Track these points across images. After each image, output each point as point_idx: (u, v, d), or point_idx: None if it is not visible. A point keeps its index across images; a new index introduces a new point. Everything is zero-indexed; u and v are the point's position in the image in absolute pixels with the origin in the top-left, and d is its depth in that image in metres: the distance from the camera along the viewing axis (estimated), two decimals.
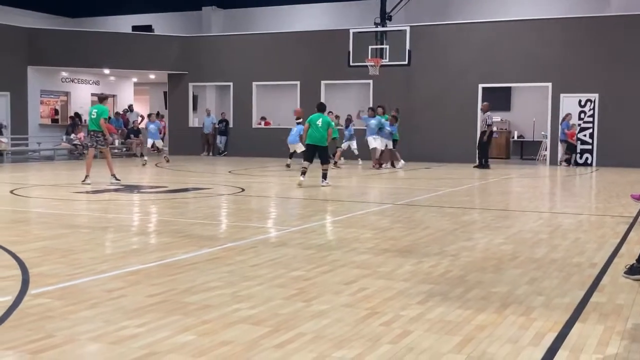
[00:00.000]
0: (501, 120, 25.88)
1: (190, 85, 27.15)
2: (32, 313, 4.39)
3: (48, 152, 24.09)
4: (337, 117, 22.20)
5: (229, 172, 18.20)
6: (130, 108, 28.48)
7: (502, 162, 24.17)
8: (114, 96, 29.11)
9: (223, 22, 30.00)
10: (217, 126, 26.77)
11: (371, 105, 21.65)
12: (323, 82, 24.96)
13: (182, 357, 3.58)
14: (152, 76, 28.80)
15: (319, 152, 13.94)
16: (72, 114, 26.05)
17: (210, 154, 26.79)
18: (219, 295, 4.91)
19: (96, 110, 13.93)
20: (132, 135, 26.09)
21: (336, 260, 6.24)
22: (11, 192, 12.32)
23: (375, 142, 19.33)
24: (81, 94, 27.61)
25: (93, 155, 14.21)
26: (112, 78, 28.72)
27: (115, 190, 12.92)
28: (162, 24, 30.26)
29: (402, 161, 20.21)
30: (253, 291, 5.05)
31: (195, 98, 27.92)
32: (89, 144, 14.24)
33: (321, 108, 14.22)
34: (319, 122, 13.75)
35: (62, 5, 30.43)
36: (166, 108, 28.60)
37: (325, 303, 4.73)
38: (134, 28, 29.31)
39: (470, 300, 4.85)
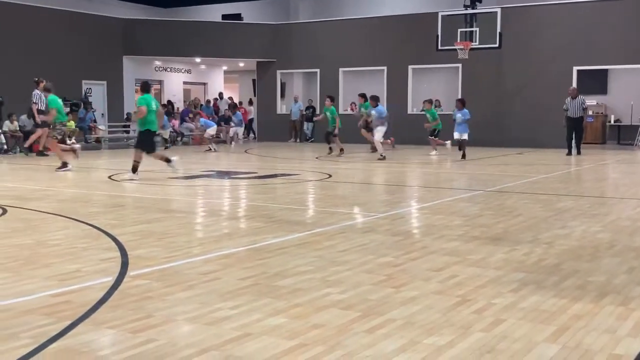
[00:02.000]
0: (597, 104, 24.90)
1: (278, 72, 27.44)
2: (132, 294, 4.57)
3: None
4: (435, 103, 22.02)
5: (316, 158, 18.32)
6: (220, 96, 29.08)
7: (598, 147, 23.28)
8: (204, 84, 29.77)
9: (311, 9, 30.11)
10: (304, 113, 26.98)
11: (460, 97, 21.10)
12: (410, 67, 24.72)
13: (275, 339, 3.65)
14: (241, 64, 29.28)
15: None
16: (165, 102, 26.82)
17: (298, 140, 27.03)
18: (309, 279, 4.97)
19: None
20: (222, 123, 26.64)
21: (425, 247, 6.19)
22: (109, 177, 12.82)
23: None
24: (174, 82, 28.41)
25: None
26: (203, 66, 29.39)
27: (207, 176, 13.24)
28: (251, 12, 30.67)
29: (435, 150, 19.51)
30: (342, 276, 5.08)
31: (283, 85, 28.22)
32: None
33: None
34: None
35: None
36: (255, 95, 29.04)
37: (415, 289, 4.70)
38: (224, 17, 29.85)
39: (565, 289, 4.71)
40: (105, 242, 6.38)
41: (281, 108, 27.87)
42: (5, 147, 19.65)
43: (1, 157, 18.31)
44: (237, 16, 29.54)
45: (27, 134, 20.49)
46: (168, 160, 12.72)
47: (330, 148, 19.08)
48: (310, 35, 26.67)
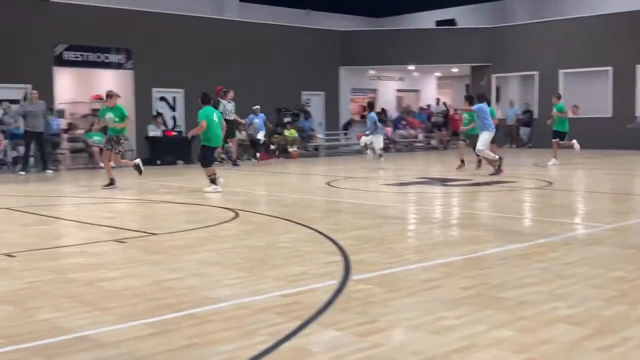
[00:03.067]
0: None
1: (494, 76, 26.81)
2: (356, 298, 4.72)
3: (357, 146, 25.62)
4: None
5: (534, 164, 17.63)
6: (437, 102, 29.07)
7: None
8: (417, 91, 29.89)
9: (528, 10, 29.05)
10: (520, 117, 26.10)
11: None
12: (639, 67, 22.94)
13: (502, 352, 3.58)
14: (454, 69, 29.03)
15: None
16: (379, 110, 27.35)
17: (514, 145, 26.20)
18: (534, 292, 4.81)
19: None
20: (435, 129, 26.60)
21: None
22: (327, 183, 13.34)
23: None
24: (387, 91, 28.89)
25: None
26: (415, 74, 29.56)
27: (421, 182, 13.28)
28: (466, 16, 30.29)
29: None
30: (569, 290, 4.85)
31: (498, 89, 27.52)
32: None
33: None
34: None
35: (370, 7, 32.04)
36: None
37: None
38: (438, 23, 29.79)
39: None
40: (327, 246, 6.65)
41: (497, 112, 27.16)
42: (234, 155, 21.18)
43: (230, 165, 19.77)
44: (451, 22, 29.33)
45: (252, 143, 21.99)
46: (213, 181, 11.72)
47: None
48: (527, 37, 25.76)
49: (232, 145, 19.18)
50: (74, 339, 3.91)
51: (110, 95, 12.87)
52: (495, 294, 4.76)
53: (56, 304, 4.63)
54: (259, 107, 20.71)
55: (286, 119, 23.54)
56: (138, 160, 13.06)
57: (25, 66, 18.38)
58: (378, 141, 17.38)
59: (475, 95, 15.84)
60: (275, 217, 8.69)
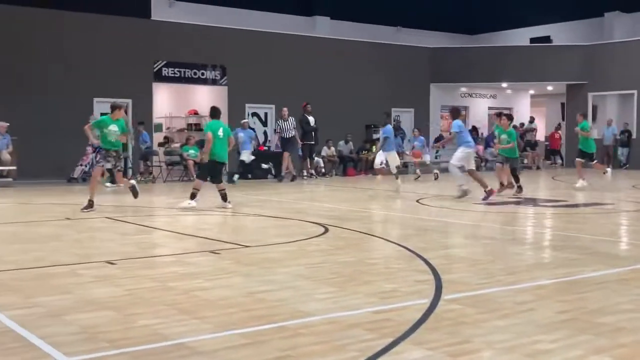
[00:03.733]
0: None
1: (590, 95, 26.01)
2: (447, 317, 4.68)
3: (445, 164, 25.39)
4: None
5: (633, 186, 16.96)
6: (531, 120, 28.44)
7: None
8: (509, 109, 29.35)
9: (627, 27, 28.09)
10: (618, 137, 25.18)
11: None
12: None
13: None
14: (549, 87, 28.34)
15: None
16: (470, 128, 26.99)
17: (611, 166, 25.26)
18: (634, 318, 4.63)
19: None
20: (528, 148, 26.01)
21: None
22: (416, 201, 13.26)
23: None
24: (479, 108, 28.48)
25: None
26: (508, 91, 29.04)
27: (516, 202, 13.01)
28: (561, 33, 29.56)
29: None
30: None
31: (594, 108, 26.66)
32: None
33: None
34: None
35: (462, 24, 31.76)
36: (563, 119, 27.86)
37: None
38: (532, 40, 29.20)
39: None
40: (418, 264, 6.62)
41: (593, 132, 26.31)
42: (323, 170, 21.39)
43: (320, 180, 19.96)
44: (546, 39, 28.70)
45: (341, 159, 22.14)
46: (224, 198, 11.64)
47: None
48: (626, 55, 24.88)
49: (286, 159, 18.90)
50: (172, 345, 4.05)
51: (116, 107, 11.66)
52: (592, 319, 4.61)
53: (155, 311, 4.81)
54: (247, 121, 20.25)
55: (375, 136, 23.55)
56: (134, 182, 12.30)
57: (127, 81, 19.21)
58: (392, 159, 15.70)
59: (449, 110, 15.40)
60: (365, 233, 8.72)
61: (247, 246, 7.70)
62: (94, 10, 19.03)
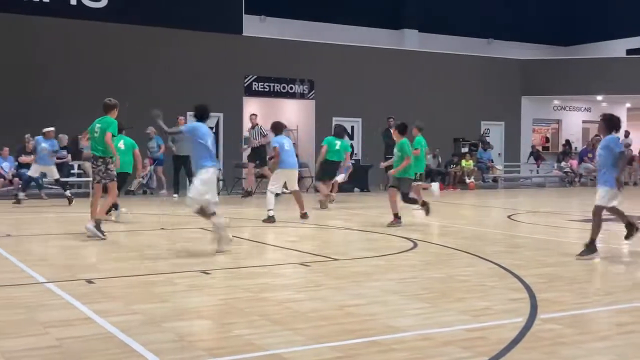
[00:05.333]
0: None
1: None
2: (544, 337, 4.55)
3: (539, 179, 24.78)
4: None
5: None
6: (626, 134, 27.37)
7: None
8: None
9: None
10: None
11: None
12: None
13: None
14: None
15: None
16: (564, 142, 26.24)
17: None
18: None
19: (99, 125, 9.35)
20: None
21: None
22: (508, 217, 12.97)
23: None
24: (572, 122, 27.65)
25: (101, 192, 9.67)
26: (604, 104, 28.04)
27: (611, 219, 12.50)
28: None
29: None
30: None
31: None
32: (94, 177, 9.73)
33: None
34: None
35: (555, 35, 30.97)
36: None
37: None
38: (629, 52, 28.15)
39: None
40: (511, 282, 6.47)
41: None
42: None
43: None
44: None
45: (428, 174, 21.92)
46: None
47: None
48: None
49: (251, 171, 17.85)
50: (266, 356, 4.11)
51: (110, 105, 9.62)
52: None
53: (249, 322, 4.89)
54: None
55: (464, 149, 23.24)
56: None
57: (218, 96, 19.69)
58: None
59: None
60: (455, 249, 8.59)
61: (336, 259, 7.73)
62: (189, 27, 19.65)
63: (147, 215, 12.86)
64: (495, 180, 23.53)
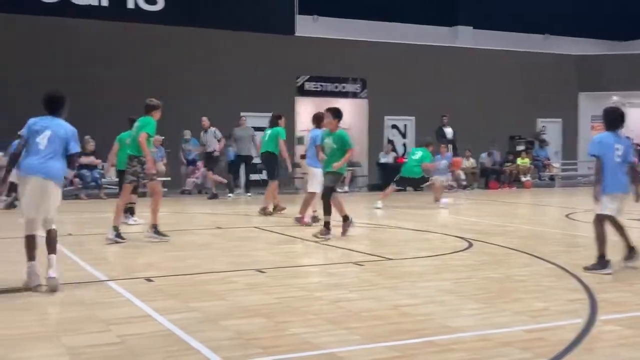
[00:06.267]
0: None
1: None
2: (605, 339, 4.47)
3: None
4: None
5: None
6: None
7: None
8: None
9: None
10: None
11: None
12: None
13: None
14: None
15: None
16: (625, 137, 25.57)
17: None
18: None
19: (137, 124, 9.41)
20: None
21: None
22: (566, 216, 12.72)
23: None
24: (635, 118, 26.87)
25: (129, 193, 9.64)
26: None
27: None
28: None
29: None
30: None
31: None
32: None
33: None
34: None
35: (612, 30, 30.19)
36: None
37: None
38: None
39: None
40: (569, 282, 6.35)
41: None
42: (464, 182, 21.02)
43: (461, 193, 19.63)
44: None
45: (483, 172, 21.68)
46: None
47: None
48: None
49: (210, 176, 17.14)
50: (321, 355, 4.14)
51: (151, 106, 9.63)
52: None
53: (304, 320, 4.93)
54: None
55: (519, 147, 22.87)
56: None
57: (271, 96, 19.84)
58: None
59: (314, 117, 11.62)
60: (511, 248, 8.48)
61: (389, 259, 7.71)
62: (242, 29, 19.84)
63: (202, 215, 13.06)
64: (552, 178, 23.09)
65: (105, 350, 4.21)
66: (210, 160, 17.25)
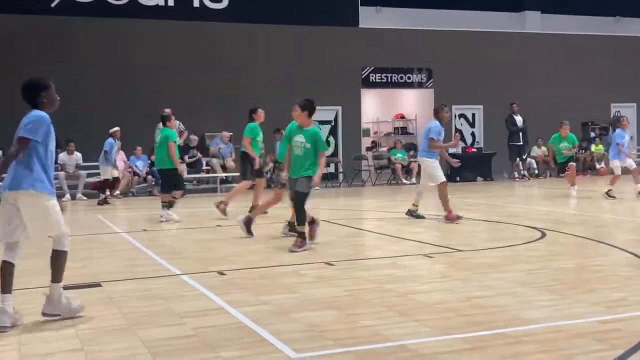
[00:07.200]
0: None
1: None
2: None
3: None
4: None
5: None
6: None
7: None
8: None
9: None
10: None
11: None
12: None
13: None
14: None
15: None
16: None
17: None
18: None
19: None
20: None
21: None
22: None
23: None
24: None
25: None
26: None
27: None
28: None
29: None
30: None
31: None
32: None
33: None
34: None
35: None
36: None
37: None
38: None
39: None
40: None
41: None
42: (536, 171, 20.58)
43: (533, 182, 19.22)
44: None
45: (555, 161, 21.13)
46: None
47: None
48: None
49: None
50: (393, 347, 4.14)
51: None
52: None
53: (375, 312, 4.94)
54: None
55: (593, 134, 22.23)
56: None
57: (336, 89, 19.87)
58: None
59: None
60: (586, 238, 8.26)
61: (460, 250, 7.63)
62: (306, 23, 19.93)
63: (272, 209, 13.18)
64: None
65: (181, 343, 4.32)
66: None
